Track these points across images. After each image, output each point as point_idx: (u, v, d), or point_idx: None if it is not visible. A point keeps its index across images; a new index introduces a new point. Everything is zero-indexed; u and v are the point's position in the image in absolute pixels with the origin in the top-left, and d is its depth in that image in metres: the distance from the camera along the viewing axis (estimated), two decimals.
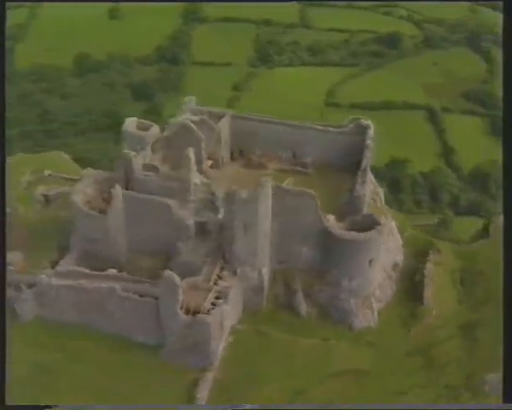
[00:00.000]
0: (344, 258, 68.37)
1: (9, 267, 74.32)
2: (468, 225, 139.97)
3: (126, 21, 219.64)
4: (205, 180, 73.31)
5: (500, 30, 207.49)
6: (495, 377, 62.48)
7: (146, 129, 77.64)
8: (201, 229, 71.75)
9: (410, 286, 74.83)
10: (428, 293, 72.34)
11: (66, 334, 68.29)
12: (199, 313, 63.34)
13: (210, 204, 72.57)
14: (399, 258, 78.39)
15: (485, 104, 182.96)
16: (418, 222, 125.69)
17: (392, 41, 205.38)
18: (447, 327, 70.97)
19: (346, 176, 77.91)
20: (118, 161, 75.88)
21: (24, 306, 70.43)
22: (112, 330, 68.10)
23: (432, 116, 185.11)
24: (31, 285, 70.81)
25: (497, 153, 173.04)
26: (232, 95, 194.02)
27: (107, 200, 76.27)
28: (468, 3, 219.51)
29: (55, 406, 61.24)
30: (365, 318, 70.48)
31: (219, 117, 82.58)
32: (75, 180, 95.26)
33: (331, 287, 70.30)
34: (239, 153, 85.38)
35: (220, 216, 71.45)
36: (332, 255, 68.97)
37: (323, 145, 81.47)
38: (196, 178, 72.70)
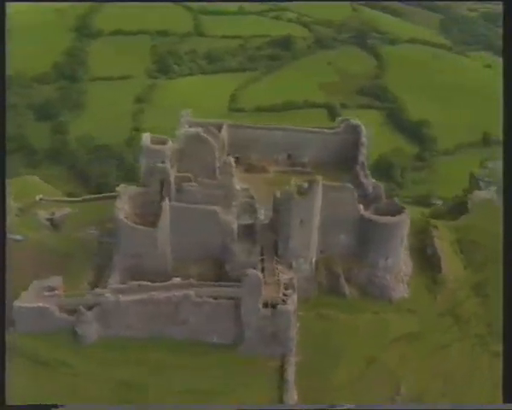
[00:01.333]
0: (381, 240, 77.02)
1: (56, 292, 74.98)
2: None
3: (16, 40, 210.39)
4: (244, 186, 78.72)
5: (383, 27, 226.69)
6: None
7: (159, 143, 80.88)
8: (246, 231, 77.09)
9: (422, 259, 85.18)
10: (443, 263, 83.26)
11: (138, 348, 70.27)
12: (277, 304, 68.94)
13: (249, 207, 78.23)
14: None
15: (379, 98, 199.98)
16: None
17: (285, 44, 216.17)
18: (463, 289, 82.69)
19: (342, 172, 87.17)
20: (151, 176, 78.46)
21: (87, 328, 71.10)
22: (183, 336, 71.33)
23: (331, 113, 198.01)
24: (90, 307, 71.67)
25: (397, 142, 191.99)
26: (136, 108, 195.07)
27: (140, 215, 79.26)
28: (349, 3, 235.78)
29: (61, 406, 62.92)
30: (400, 290, 79.77)
31: (218, 127, 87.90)
32: (71, 202, 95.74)
33: (369, 267, 78.75)
34: (235, 160, 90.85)
35: (262, 218, 77.74)
36: (369, 239, 77.29)
37: (318, 146, 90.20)
38: (237, 185, 77.95)
